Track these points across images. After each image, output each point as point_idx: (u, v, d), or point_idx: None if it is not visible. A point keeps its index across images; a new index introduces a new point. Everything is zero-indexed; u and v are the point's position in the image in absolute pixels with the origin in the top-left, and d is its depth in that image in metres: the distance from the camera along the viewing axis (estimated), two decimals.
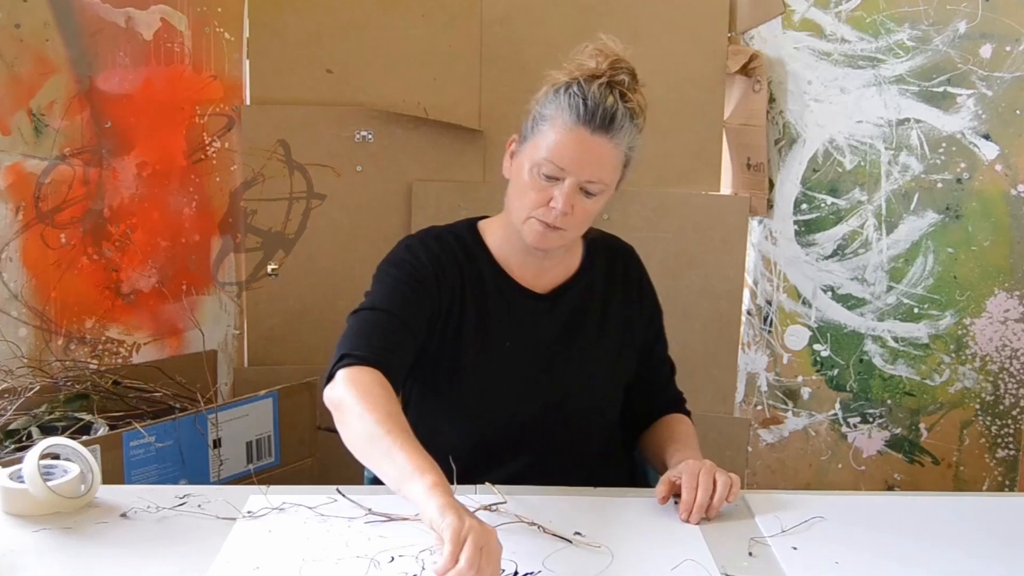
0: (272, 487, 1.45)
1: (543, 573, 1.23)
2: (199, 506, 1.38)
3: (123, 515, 1.36)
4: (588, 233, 1.64)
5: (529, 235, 1.50)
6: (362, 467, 1.78)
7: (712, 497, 1.38)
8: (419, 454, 1.25)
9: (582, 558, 1.27)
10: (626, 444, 1.74)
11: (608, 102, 1.43)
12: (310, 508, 1.38)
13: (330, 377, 1.41)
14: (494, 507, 1.37)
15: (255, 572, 1.21)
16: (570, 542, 1.31)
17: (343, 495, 1.41)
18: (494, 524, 1.24)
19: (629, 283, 1.68)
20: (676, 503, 1.41)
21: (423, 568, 1.22)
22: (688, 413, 1.73)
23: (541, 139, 1.46)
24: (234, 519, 1.35)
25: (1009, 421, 2.57)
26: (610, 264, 1.67)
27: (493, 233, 1.62)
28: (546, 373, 1.59)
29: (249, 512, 1.37)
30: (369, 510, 1.37)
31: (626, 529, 1.36)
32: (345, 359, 1.41)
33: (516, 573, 1.22)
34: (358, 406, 1.33)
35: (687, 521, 1.38)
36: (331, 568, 1.22)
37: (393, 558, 1.25)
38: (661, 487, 1.43)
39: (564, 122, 1.44)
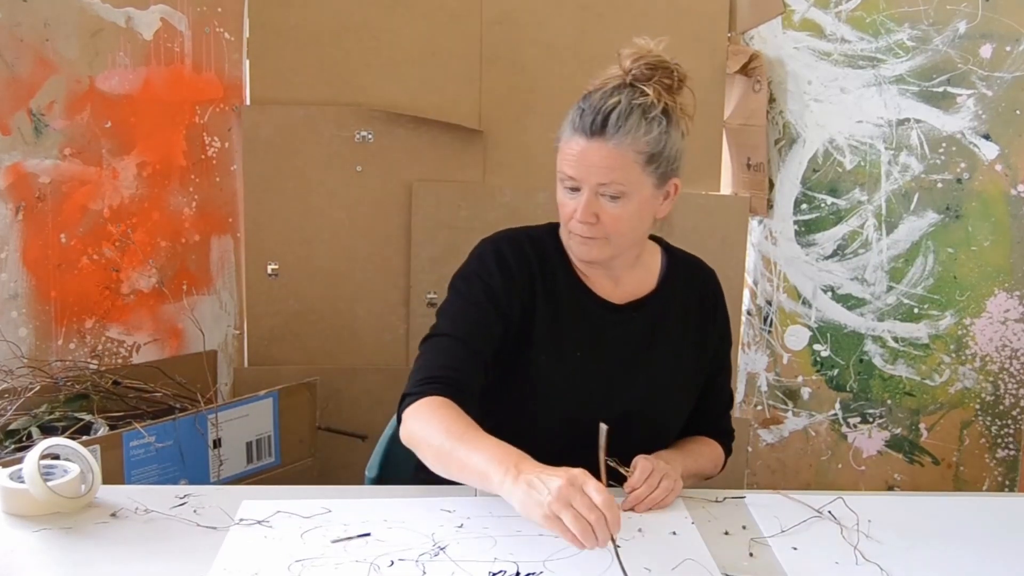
0: (267, 487, 1.44)
1: (544, 574, 1.23)
2: (194, 511, 1.37)
3: (113, 515, 1.36)
4: (671, 251, 1.67)
5: (573, 248, 1.55)
6: (362, 468, 1.78)
7: (652, 494, 1.42)
8: (482, 455, 1.30)
9: (582, 559, 1.27)
10: None
11: (608, 104, 1.46)
12: (305, 517, 1.37)
13: (400, 414, 1.46)
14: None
15: None
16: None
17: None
18: None
19: (707, 306, 1.67)
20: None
21: (423, 573, 1.22)
22: (729, 450, 1.72)
23: (559, 154, 1.53)
24: (227, 525, 1.33)
25: (1009, 421, 2.57)
26: (690, 283, 1.67)
27: None
28: (618, 386, 1.58)
29: (243, 519, 1.36)
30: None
31: (625, 529, 1.36)
32: (407, 399, 1.45)
33: (518, 573, 1.22)
34: (424, 439, 1.38)
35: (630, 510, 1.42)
36: (330, 573, 1.21)
37: (393, 562, 1.24)
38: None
39: (567, 134, 1.50)
